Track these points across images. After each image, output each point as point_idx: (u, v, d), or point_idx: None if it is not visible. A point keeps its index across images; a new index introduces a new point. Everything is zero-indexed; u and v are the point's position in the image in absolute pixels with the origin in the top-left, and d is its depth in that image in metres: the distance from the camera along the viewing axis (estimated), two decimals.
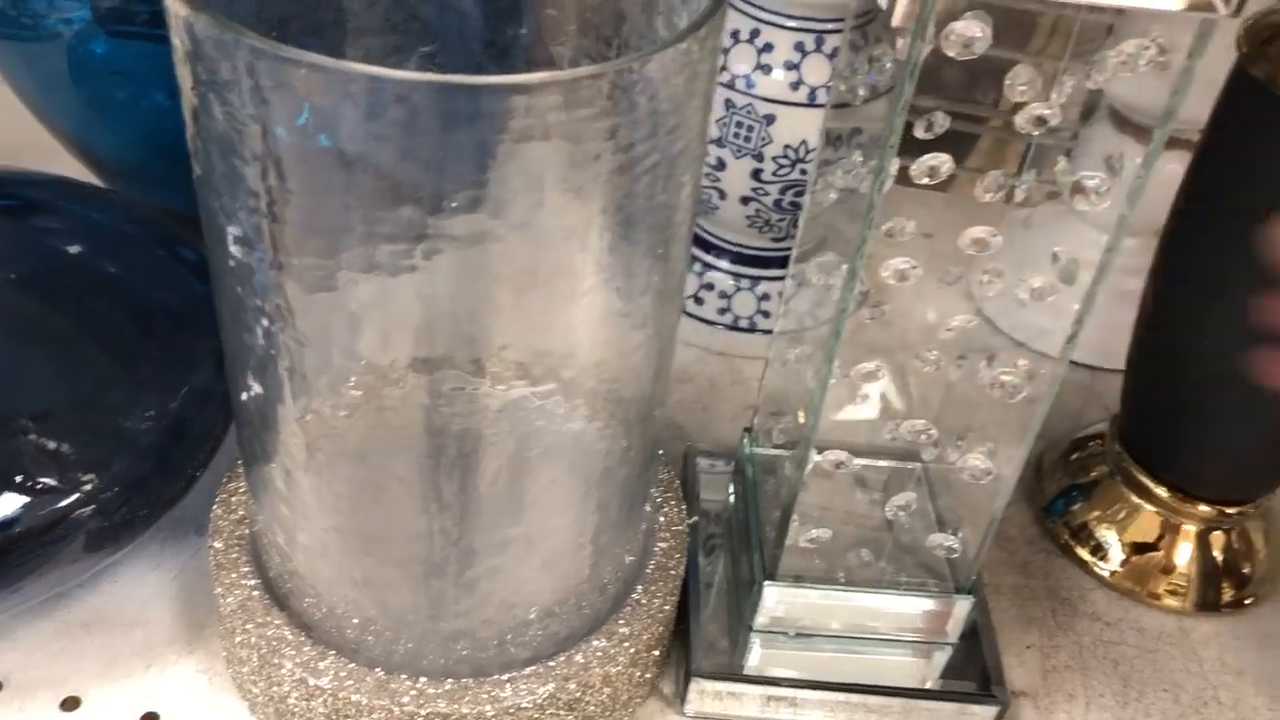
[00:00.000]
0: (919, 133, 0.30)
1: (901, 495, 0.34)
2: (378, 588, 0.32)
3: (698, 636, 0.37)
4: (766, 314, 0.50)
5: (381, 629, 0.32)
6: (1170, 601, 0.42)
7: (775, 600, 0.36)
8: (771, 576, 0.36)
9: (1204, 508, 0.42)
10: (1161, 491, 0.42)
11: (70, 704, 0.35)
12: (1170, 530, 0.43)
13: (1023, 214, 0.31)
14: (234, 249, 0.27)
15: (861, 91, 0.29)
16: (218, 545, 0.35)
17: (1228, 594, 0.43)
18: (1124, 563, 0.43)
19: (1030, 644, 0.41)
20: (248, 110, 0.24)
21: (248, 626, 0.33)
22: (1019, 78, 0.28)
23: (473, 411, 0.29)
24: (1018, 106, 0.28)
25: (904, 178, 0.28)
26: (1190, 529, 0.43)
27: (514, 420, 0.29)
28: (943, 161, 0.26)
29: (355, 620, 0.32)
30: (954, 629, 0.37)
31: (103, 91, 0.46)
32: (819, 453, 0.33)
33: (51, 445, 0.34)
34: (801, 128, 0.44)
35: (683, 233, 0.29)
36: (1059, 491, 0.45)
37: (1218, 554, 0.43)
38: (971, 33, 0.24)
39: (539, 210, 0.25)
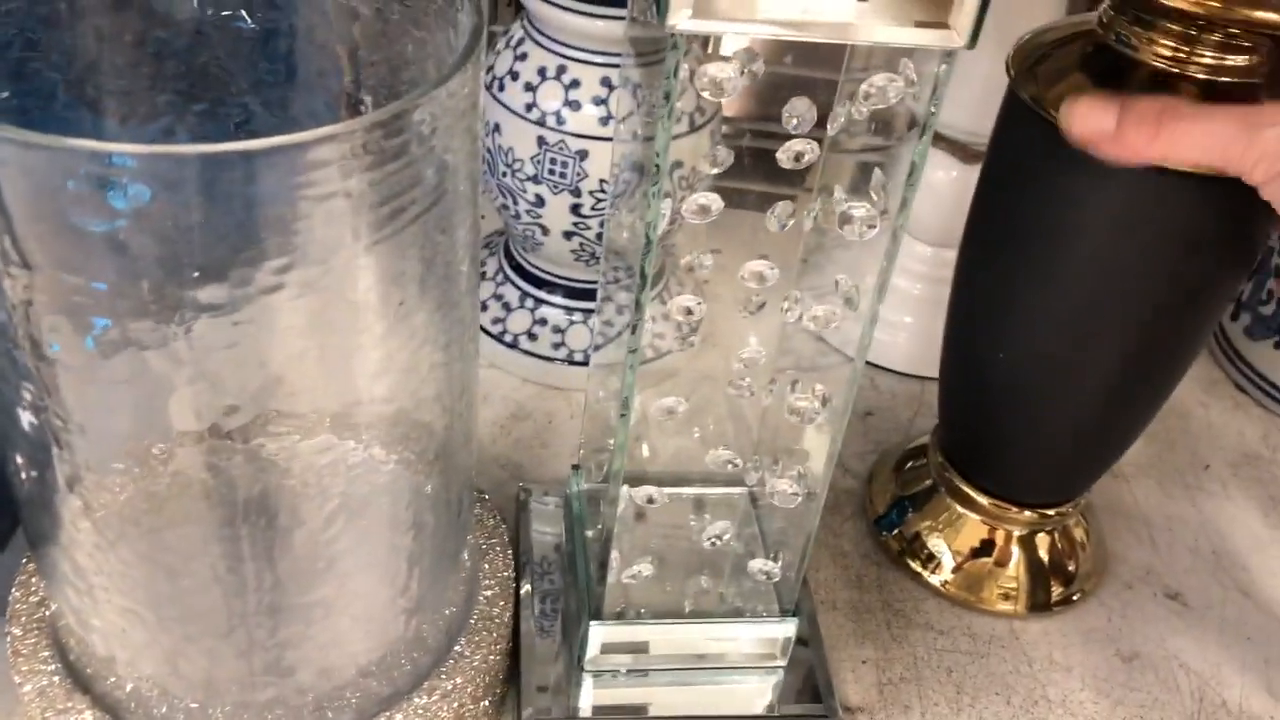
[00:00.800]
0: (705, 168, 0.30)
1: (717, 524, 0.35)
2: (181, 664, 0.31)
3: (528, 681, 0.36)
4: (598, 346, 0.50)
5: (190, 705, 0.31)
6: (1002, 606, 0.43)
7: (602, 638, 0.36)
8: (596, 615, 0.36)
9: (1025, 512, 0.43)
10: (982, 499, 0.43)
11: None
12: (996, 536, 0.44)
13: (802, 248, 0.31)
14: None
15: (638, 129, 0.30)
16: (16, 631, 0.33)
17: (1056, 593, 0.44)
18: (955, 570, 0.44)
19: (866, 658, 0.41)
20: None
21: (48, 715, 0.31)
22: (795, 109, 0.29)
23: (261, 472, 0.28)
24: (787, 137, 0.28)
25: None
26: (1015, 533, 0.44)
27: (306, 477, 0.29)
28: (713, 201, 0.27)
29: (162, 699, 0.31)
30: (782, 651, 0.37)
31: None
32: (631, 488, 0.33)
33: None
34: (610, 160, 0.44)
35: (466, 270, 0.29)
36: (889, 504, 0.46)
37: (1043, 555, 0.44)
38: (723, 74, 0.25)
39: (310, 265, 0.25)
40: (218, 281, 0.24)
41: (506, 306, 0.51)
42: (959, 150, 0.51)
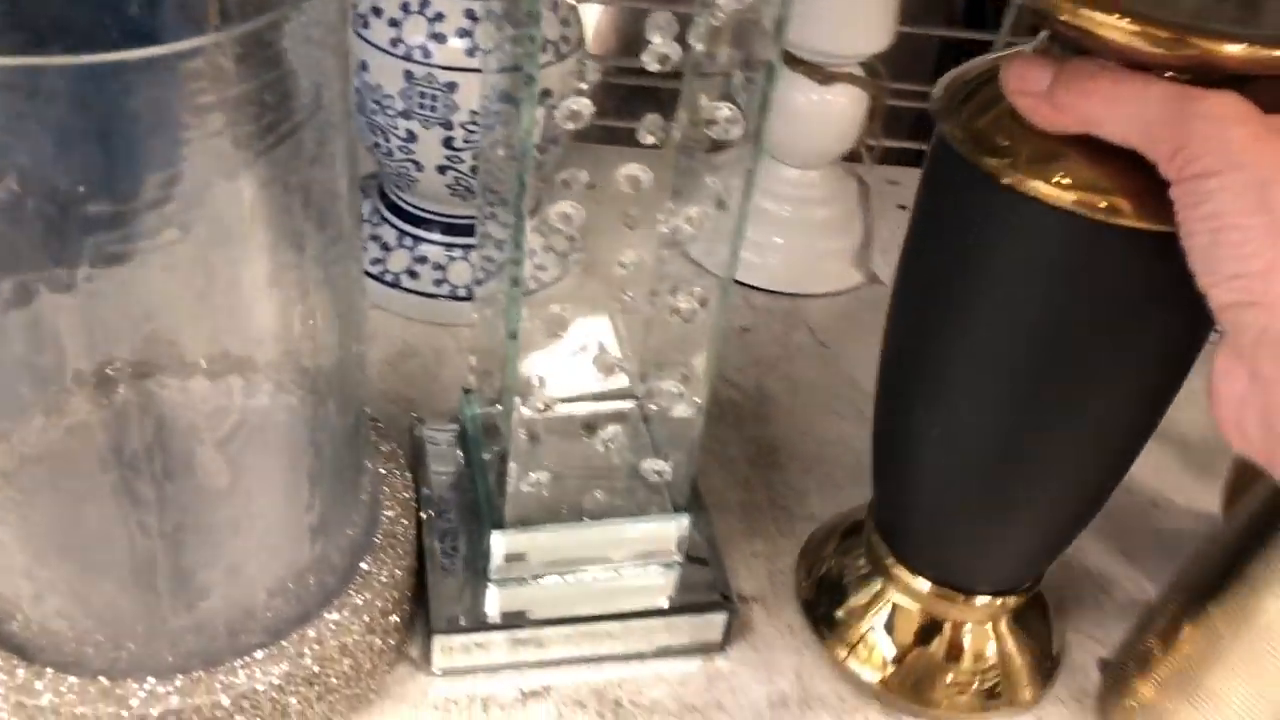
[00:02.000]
0: (574, 84, 0.32)
1: (609, 428, 0.36)
2: (88, 599, 0.31)
3: (435, 595, 0.37)
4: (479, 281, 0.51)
5: (100, 638, 0.31)
6: (956, 701, 0.39)
7: (506, 547, 0.37)
8: (498, 525, 0.37)
9: (975, 600, 0.38)
10: (923, 585, 0.39)
11: None
12: (943, 626, 0.39)
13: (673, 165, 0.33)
14: None
15: (505, 59, 0.31)
16: None
17: (1016, 690, 0.39)
18: (896, 662, 0.39)
19: (756, 552, 0.44)
20: None
21: None
22: (656, 22, 0.30)
23: (156, 409, 0.29)
24: (657, 52, 0.30)
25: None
26: (963, 623, 0.39)
27: (200, 411, 0.29)
28: (584, 106, 0.28)
29: (70, 634, 0.31)
30: (680, 547, 0.39)
31: None
32: (523, 400, 0.35)
33: None
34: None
35: (345, 197, 0.30)
36: (819, 586, 0.42)
37: (996, 647, 0.39)
38: None
39: (191, 189, 0.25)
40: (100, 207, 0.24)
41: (385, 247, 0.51)
42: (816, 73, 0.53)
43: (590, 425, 0.40)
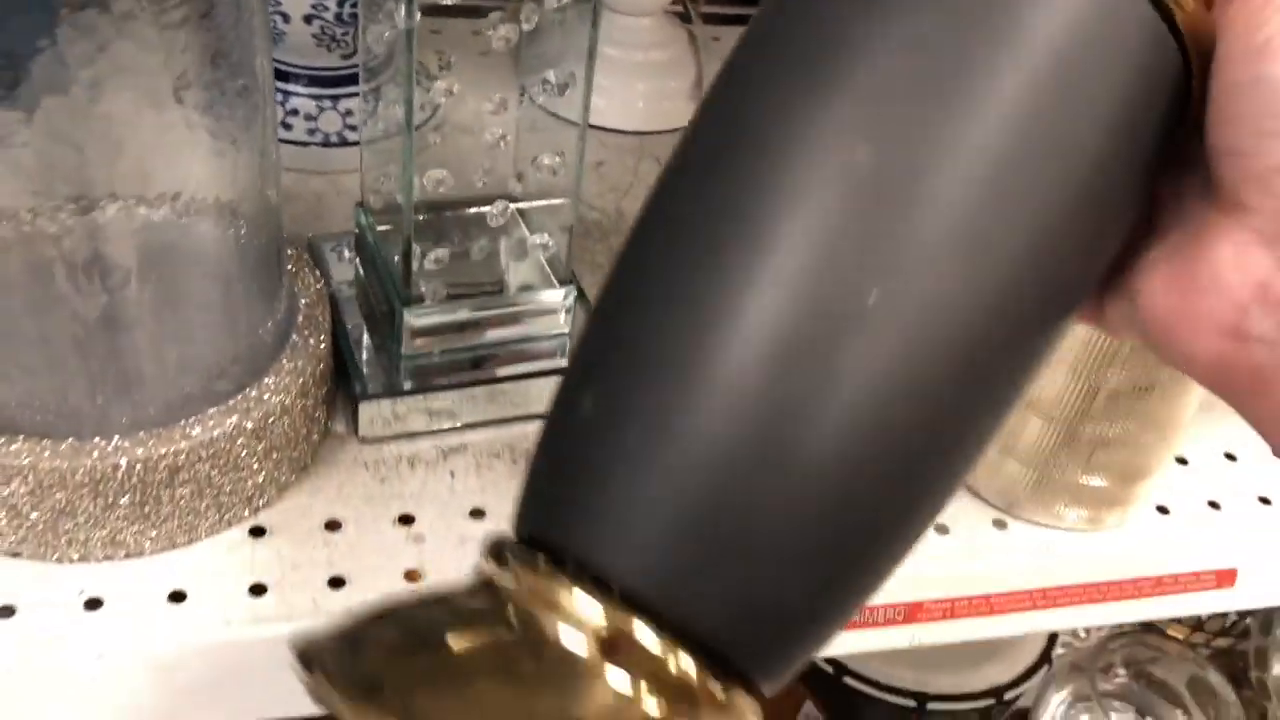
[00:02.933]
0: None
1: (498, 204, 0.41)
2: (53, 378, 0.35)
3: (357, 372, 0.42)
4: (353, 127, 0.55)
5: (64, 410, 0.35)
6: None
7: (415, 323, 0.42)
8: (406, 302, 0.42)
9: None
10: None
11: None
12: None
13: None
14: None
15: None
16: None
17: None
18: None
19: None
20: None
21: None
22: None
23: (99, 226, 0.33)
24: None
25: None
26: None
27: (137, 227, 0.33)
28: None
29: (36, 407, 0.35)
30: (568, 318, 0.45)
31: None
32: (421, 175, 0.39)
33: None
34: None
35: (260, 49, 0.34)
36: None
37: None
38: None
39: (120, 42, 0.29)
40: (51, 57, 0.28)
41: None
42: None
43: (484, 216, 0.45)
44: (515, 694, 0.20)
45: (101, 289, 0.34)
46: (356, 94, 0.55)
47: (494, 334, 0.44)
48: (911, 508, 0.22)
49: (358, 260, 0.46)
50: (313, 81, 0.54)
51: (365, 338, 0.44)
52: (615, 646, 0.20)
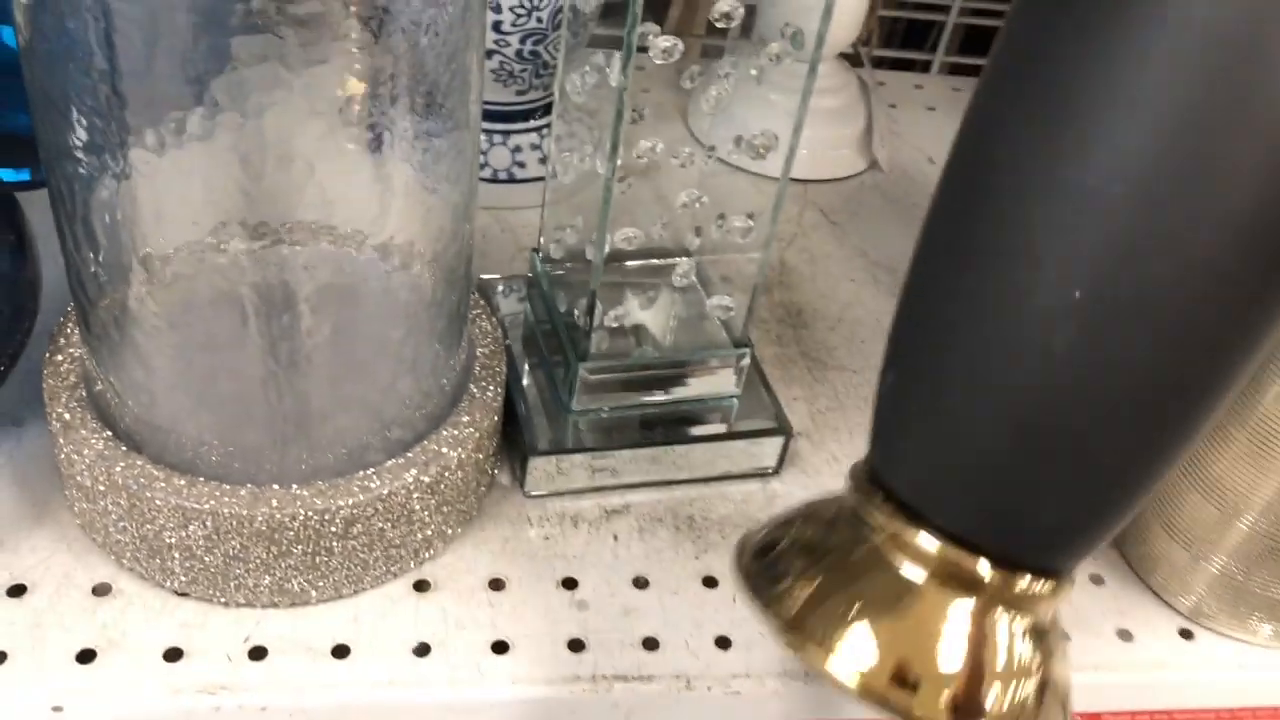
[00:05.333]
0: None
1: (682, 264, 0.40)
2: (235, 416, 0.34)
3: (527, 425, 0.41)
4: (522, 164, 0.55)
5: (245, 452, 0.34)
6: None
7: (588, 380, 0.41)
8: (583, 358, 0.41)
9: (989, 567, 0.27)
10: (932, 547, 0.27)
11: None
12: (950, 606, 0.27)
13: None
14: (77, 124, 0.28)
15: None
16: (59, 410, 0.36)
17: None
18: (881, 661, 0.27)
19: (796, 396, 0.48)
20: None
21: (112, 471, 0.34)
22: None
23: (293, 263, 0.32)
24: None
25: None
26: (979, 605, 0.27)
27: (333, 267, 0.32)
28: None
29: (217, 448, 0.34)
30: (739, 380, 0.43)
31: None
32: (607, 242, 0.38)
33: None
34: None
35: (475, 77, 0.33)
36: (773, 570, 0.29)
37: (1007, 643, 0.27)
38: None
39: (327, 73, 0.28)
40: (265, 78, 0.27)
41: None
42: None
43: (661, 272, 0.44)
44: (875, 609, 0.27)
45: (289, 328, 0.33)
46: (527, 130, 0.54)
47: (663, 394, 0.43)
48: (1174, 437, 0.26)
49: (529, 306, 0.45)
50: (485, 115, 0.54)
51: (535, 389, 0.43)
52: (951, 576, 0.27)
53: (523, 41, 0.50)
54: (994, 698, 0.27)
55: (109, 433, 0.35)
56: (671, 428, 0.42)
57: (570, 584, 0.39)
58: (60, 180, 0.31)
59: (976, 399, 0.26)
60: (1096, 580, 0.43)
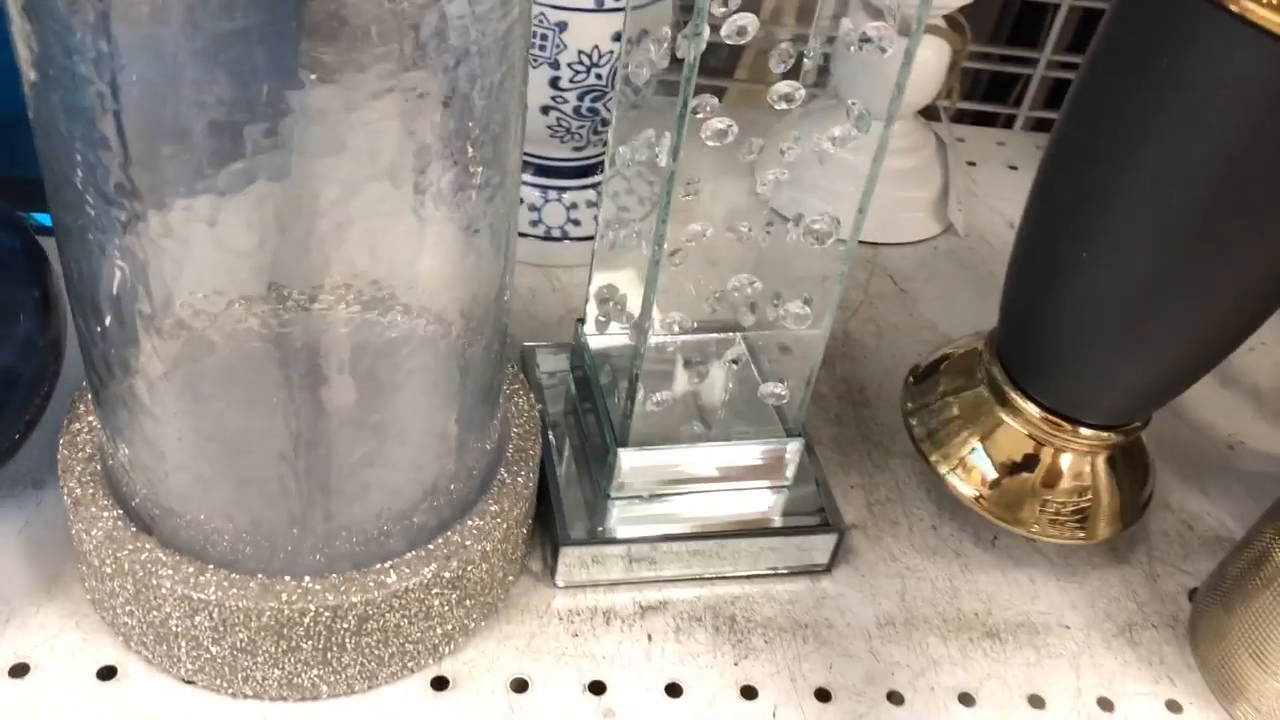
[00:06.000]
0: (715, 9, 0.33)
1: (732, 349, 0.37)
2: (249, 496, 0.32)
3: (560, 510, 0.39)
4: (576, 222, 0.52)
5: (258, 537, 0.33)
6: (1050, 532, 0.41)
7: (628, 466, 0.38)
8: (623, 443, 0.38)
9: (1081, 430, 0.39)
10: (1034, 411, 0.40)
11: None
12: (1043, 453, 0.40)
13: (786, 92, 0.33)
14: (81, 173, 0.27)
15: None
16: (71, 484, 0.34)
17: (1101, 524, 0.41)
18: (993, 486, 0.41)
19: (854, 484, 0.45)
20: (83, 5, 0.24)
21: (118, 555, 0.32)
22: None
23: (315, 331, 0.30)
24: None
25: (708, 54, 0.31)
26: (1065, 452, 0.40)
27: (359, 331, 0.30)
28: (750, 21, 0.29)
29: (230, 532, 0.32)
30: (789, 470, 0.40)
31: None
32: (657, 319, 0.36)
33: None
34: (593, 33, 0.46)
35: (515, 128, 0.30)
36: (926, 399, 0.43)
37: (1098, 479, 0.41)
38: None
39: (363, 129, 0.26)
40: (288, 135, 0.25)
41: None
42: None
43: (710, 349, 0.41)
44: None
45: (309, 399, 0.31)
46: (583, 187, 0.52)
47: (708, 482, 0.40)
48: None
49: (571, 379, 0.43)
50: (540, 171, 0.52)
51: (571, 468, 0.41)
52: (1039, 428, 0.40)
53: (580, 99, 0.48)
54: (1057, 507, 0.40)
55: (120, 510, 0.34)
56: (715, 519, 0.40)
57: (598, 688, 0.36)
58: (71, 253, 0.30)
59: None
60: (1174, 707, 0.39)
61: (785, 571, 0.41)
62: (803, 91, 0.31)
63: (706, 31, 0.29)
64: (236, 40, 0.25)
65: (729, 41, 0.29)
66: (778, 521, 0.40)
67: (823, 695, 0.37)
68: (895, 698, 0.38)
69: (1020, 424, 0.40)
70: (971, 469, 0.41)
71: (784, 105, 0.31)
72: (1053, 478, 0.40)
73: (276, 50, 0.25)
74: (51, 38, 0.25)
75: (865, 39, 0.31)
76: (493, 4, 0.26)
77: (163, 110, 0.26)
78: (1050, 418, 0.40)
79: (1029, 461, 0.40)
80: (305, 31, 0.25)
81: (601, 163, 0.53)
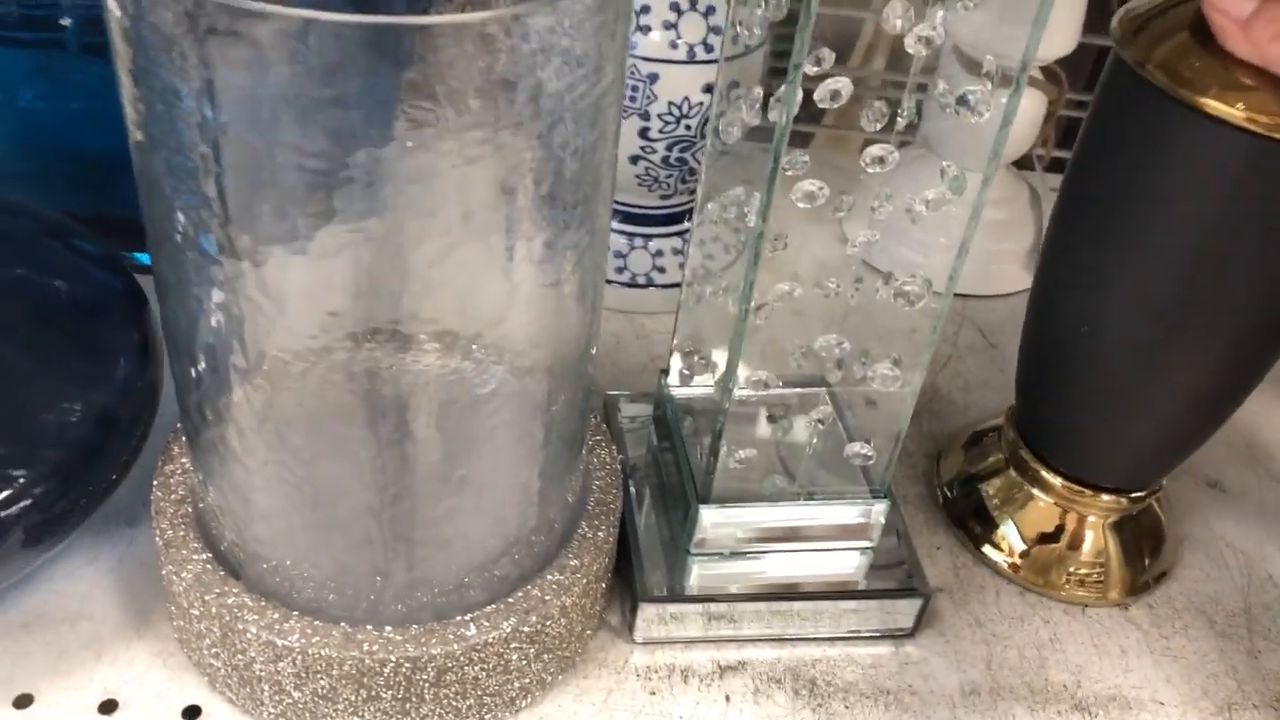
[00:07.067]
0: (809, 68, 0.32)
1: (818, 409, 0.37)
2: (335, 545, 0.33)
3: (640, 565, 0.38)
4: (662, 269, 0.52)
5: (342, 585, 0.33)
6: (1078, 593, 0.42)
7: (710, 522, 0.38)
8: (704, 500, 0.38)
9: (1101, 496, 0.42)
10: (1056, 480, 0.43)
11: (23, 701, 0.35)
12: (1068, 520, 0.43)
13: (882, 152, 0.33)
14: (181, 230, 0.27)
15: (757, 30, 0.32)
16: (163, 525, 0.35)
17: (1132, 579, 0.43)
18: (1024, 555, 0.43)
19: (939, 545, 0.44)
20: (189, 73, 0.24)
21: (206, 598, 0.33)
22: (894, 10, 0.31)
23: (405, 377, 0.30)
24: (901, 35, 0.31)
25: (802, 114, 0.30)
26: (1089, 518, 0.43)
27: (447, 385, 0.30)
28: (844, 85, 0.29)
29: (314, 579, 0.33)
30: (874, 532, 0.40)
31: None
32: (746, 374, 0.35)
33: None
34: (683, 84, 0.46)
35: (606, 188, 0.31)
36: (956, 478, 0.46)
37: (1120, 542, 0.43)
38: None
39: (458, 179, 0.27)
40: (382, 183, 0.26)
41: None
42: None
43: (794, 404, 0.41)
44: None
45: (394, 448, 0.31)
46: (669, 235, 0.52)
47: (790, 541, 0.40)
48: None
49: (653, 429, 0.43)
50: (627, 218, 0.52)
51: (651, 522, 0.40)
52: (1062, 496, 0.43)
53: (670, 149, 0.48)
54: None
55: (209, 554, 0.34)
56: (797, 578, 0.39)
57: None
58: (170, 303, 0.30)
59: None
60: None
61: (868, 635, 0.40)
62: (896, 154, 0.31)
63: (799, 96, 0.29)
64: (334, 104, 0.25)
65: (821, 105, 0.29)
66: (861, 583, 0.39)
67: None
68: None
69: (1044, 492, 0.43)
70: (1004, 539, 0.43)
71: (877, 168, 0.31)
72: (1076, 542, 0.43)
73: (373, 113, 0.26)
74: (157, 102, 0.26)
75: (962, 101, 0.30)
76: (587, 71, 0.27)
77: (261, 172, 0.26)
78: (1070, 485, 0.42)
79: (1055, 529, 0.43)
80: (401, 95, 0.25)
81: (687, 211, 0.53)
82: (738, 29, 0.32)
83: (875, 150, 0.31)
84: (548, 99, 0.26)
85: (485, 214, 0.28)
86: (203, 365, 0.30)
